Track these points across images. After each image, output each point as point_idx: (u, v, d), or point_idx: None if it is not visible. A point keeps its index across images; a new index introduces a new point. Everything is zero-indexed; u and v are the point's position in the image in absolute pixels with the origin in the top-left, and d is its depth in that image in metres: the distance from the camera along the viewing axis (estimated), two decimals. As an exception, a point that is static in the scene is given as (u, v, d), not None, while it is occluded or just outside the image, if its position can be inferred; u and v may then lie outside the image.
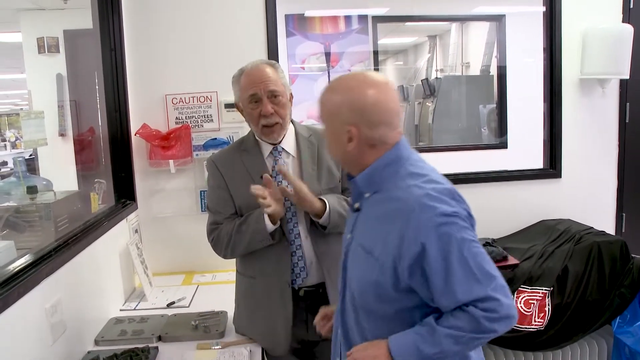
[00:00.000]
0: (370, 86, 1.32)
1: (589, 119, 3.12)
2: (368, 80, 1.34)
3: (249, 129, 2.01)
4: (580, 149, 3.12)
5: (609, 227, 3.16)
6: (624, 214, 3.20)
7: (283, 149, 1.95)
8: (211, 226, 1.96)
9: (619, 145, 3.17)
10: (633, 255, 2.60)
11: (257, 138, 1.96)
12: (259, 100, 1.84)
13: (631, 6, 3.05)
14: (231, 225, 1.90)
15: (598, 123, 3.13)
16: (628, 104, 3.13)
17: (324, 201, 1.84)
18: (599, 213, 3.15)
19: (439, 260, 1.23)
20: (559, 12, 3.01)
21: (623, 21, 3.04)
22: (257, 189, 1.74)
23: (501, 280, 1.27)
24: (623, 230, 3.20)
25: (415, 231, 1.24)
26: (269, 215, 1.80)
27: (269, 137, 1.91)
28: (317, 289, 1.94)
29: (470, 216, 1.31)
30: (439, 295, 1.27)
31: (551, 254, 2.60)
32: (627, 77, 2.98)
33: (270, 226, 1.82)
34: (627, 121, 3.14)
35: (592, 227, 2.81)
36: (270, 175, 1.89)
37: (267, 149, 1.94)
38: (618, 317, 2.55)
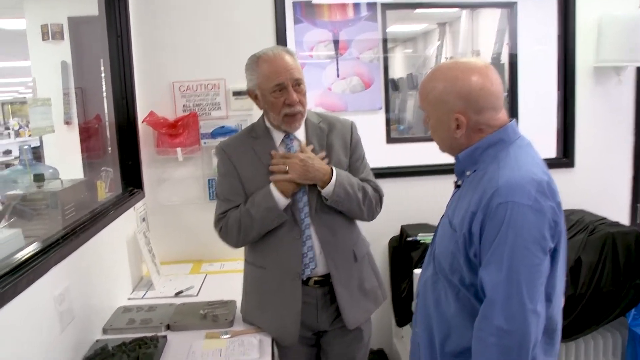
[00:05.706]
0: (473, 73, 1.35)
1: (604, 107, 3.07)
2: (471, 67, 1.37)
3: (257, 116, 1.98)
4: (594, 138, 3.08)
5: (624, 218, 3.11)
6: (639, 205, 3.15)
7: (295, 136, 1.91)
8: (219, 216, 1.92)
9: (635, 134, 3.11)
10: (648, 246, 2.56)
11: (267, 125, 1.92)
12: (284, 88, 1.80)
13: (648, -8, 3.00)
14: (237, 212, 1.86)
15: (613, 112, 3.08)
16: (645, 92, 3.07)
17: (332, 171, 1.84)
18: (613, 203, 3.11)
19: (488, 238, 1.26)
20: (573, -2, 2.95)
21: (640, 7, 2.98)
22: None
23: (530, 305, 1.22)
24: (638, 221, 3.15)
25: (485, 209, 1.27)
26: (280, 189, 1.81)
27: (290, 127, 1.87)
28: (326, 279, 1.91)
29: (556, 213, 1.28)
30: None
31: (564, 245, 2.56)
32: (644, 64, 2.93)
33: (282, 201, 1.81)
34: (643, 110, 3.08)
35: (606, 218, 2.77)
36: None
37: (279, 136, 1.91)
38: (633, 309, 2.52)
